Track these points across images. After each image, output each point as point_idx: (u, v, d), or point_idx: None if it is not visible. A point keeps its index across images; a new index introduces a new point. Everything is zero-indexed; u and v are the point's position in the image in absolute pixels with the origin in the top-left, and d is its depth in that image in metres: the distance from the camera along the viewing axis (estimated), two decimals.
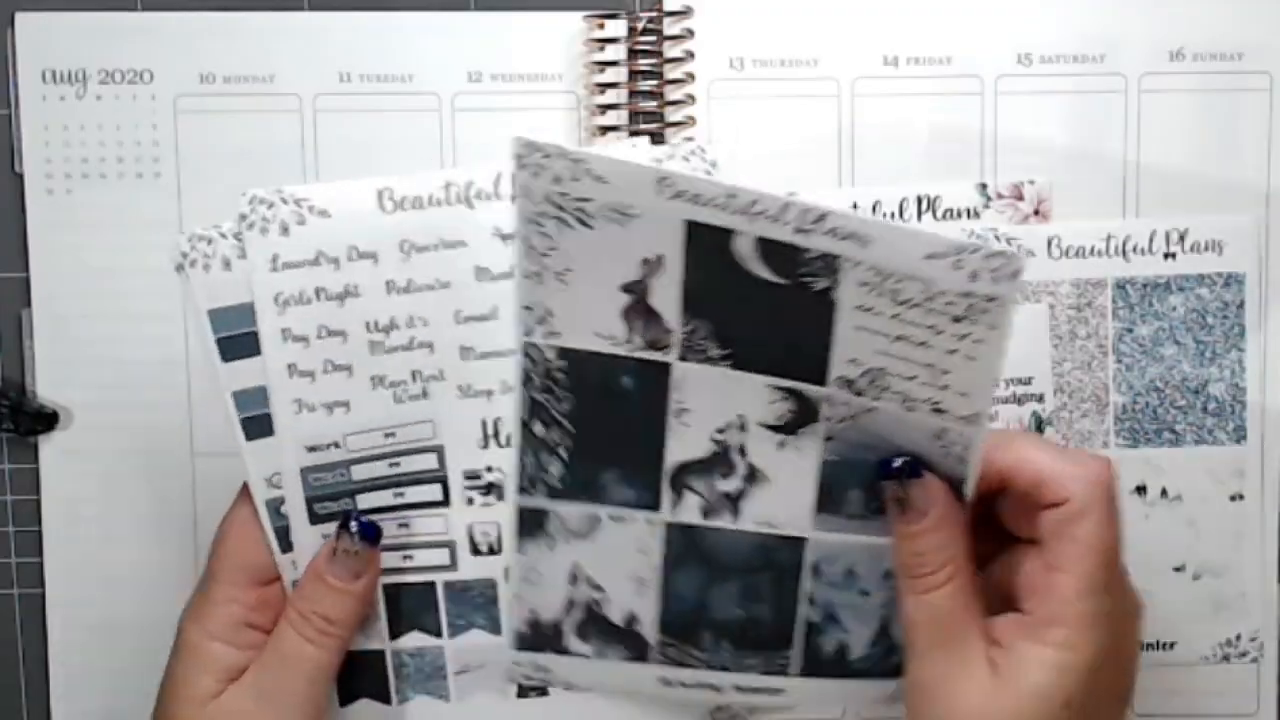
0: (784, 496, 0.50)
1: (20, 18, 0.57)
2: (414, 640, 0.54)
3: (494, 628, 0.53)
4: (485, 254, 0.50)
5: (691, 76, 0.57)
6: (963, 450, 0.48)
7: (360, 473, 0.52)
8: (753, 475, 0.50)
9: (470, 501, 0.52)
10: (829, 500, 0.50)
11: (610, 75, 0.57)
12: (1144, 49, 0.57)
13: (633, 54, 0.57)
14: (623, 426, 0.49)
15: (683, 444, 0.49)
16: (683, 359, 0.48)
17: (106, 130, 0.57)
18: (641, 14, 0.57)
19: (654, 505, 0.50)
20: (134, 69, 0.57)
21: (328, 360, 0.51)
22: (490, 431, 0.52)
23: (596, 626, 0.52)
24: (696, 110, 0.57)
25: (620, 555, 0.51)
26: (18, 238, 0.57)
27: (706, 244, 0.46)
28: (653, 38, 0.57)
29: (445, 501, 0.52)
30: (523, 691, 0.54)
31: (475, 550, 0.53)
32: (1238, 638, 0.59)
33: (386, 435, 0.51)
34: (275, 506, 0.52)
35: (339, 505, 0.52)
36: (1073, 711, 0.46)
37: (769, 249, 0.45)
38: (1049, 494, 0.47)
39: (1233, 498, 0.58)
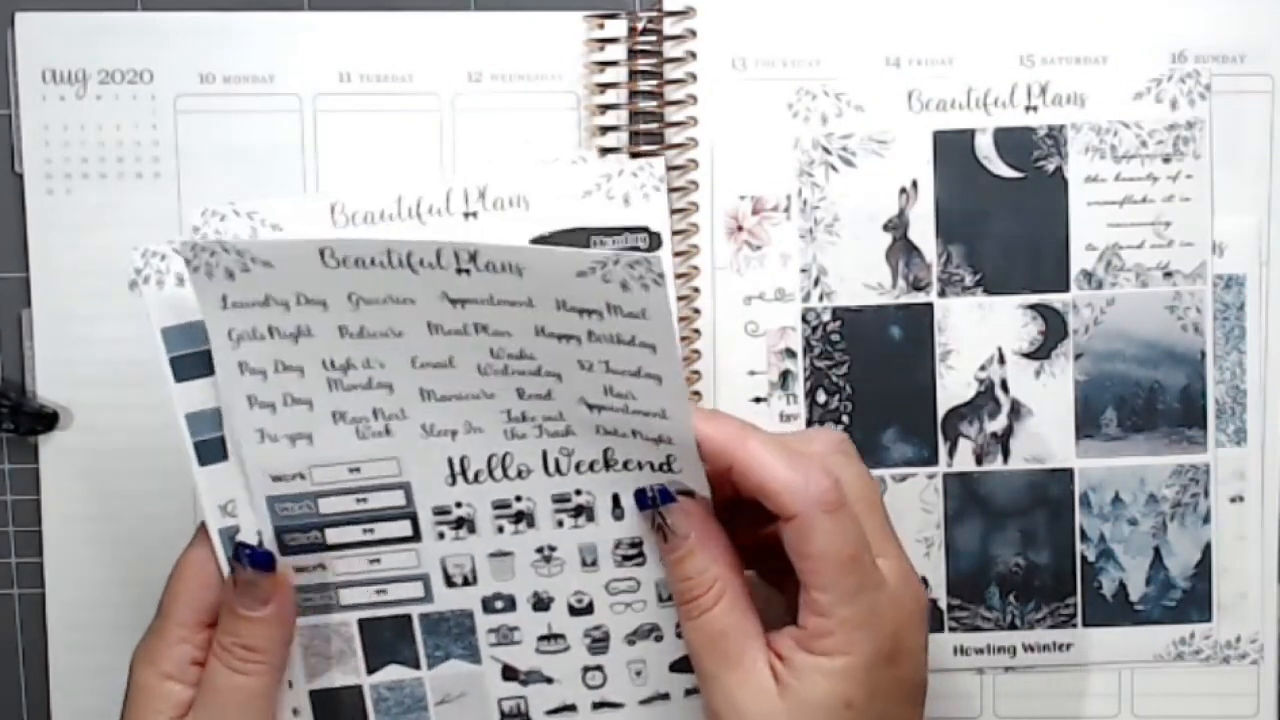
0: (1047, 427, 0.53)
1: (20, 18, 0.57)
2: (392, 674, 0.53)
3: (473, 656, 0.52)
4: (433, 312, 0.48)
5: (693, 77, 0.57)
6: (1196, 316, 0.53)
7: (327, 506, 0.51)
8: (1016, 410, 0.53)
9: (441, 536, 0.51)
10: (1087, 424, 0.53)
11: (610, 75, 0.57)
12: (1145, 50, 0.57)
13: (633, 54, 0.57)
14: (896, 381, 0.52)
15: (950, 389, 0.52)
16: (941, 295, 0.54)
17: (106, 130, 0.57)
18: (642, 14, 0.57)
19: (932, 459, 0.51)
20: (134, 69, 0.57)
21: (286, 394, 0.49)
22: (458, 469, 0.50)
23: None
24: (697, 110, 0.57)
25: (905, 519, 0.51)
26: (18, 238, 0.57)
27: (952, 153, 0.50)
28: (653, 38, 0.57)
29: (416, 537, 0.51)
30: (504, 718, 0.53)
31: (449, 583, 0.52)
32: (1237, 639, 0.59)
33: (351, 470, 0.50)
34: (229, 535, 0.51)
35: (309, 538, 0.51)
36: (856, 711, 0.46)
37: (1005, 140, 0.52)
38: (776, 506, 0.47)
39: (1233, 499, 0.58)
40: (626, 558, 0.51)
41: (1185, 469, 0.58)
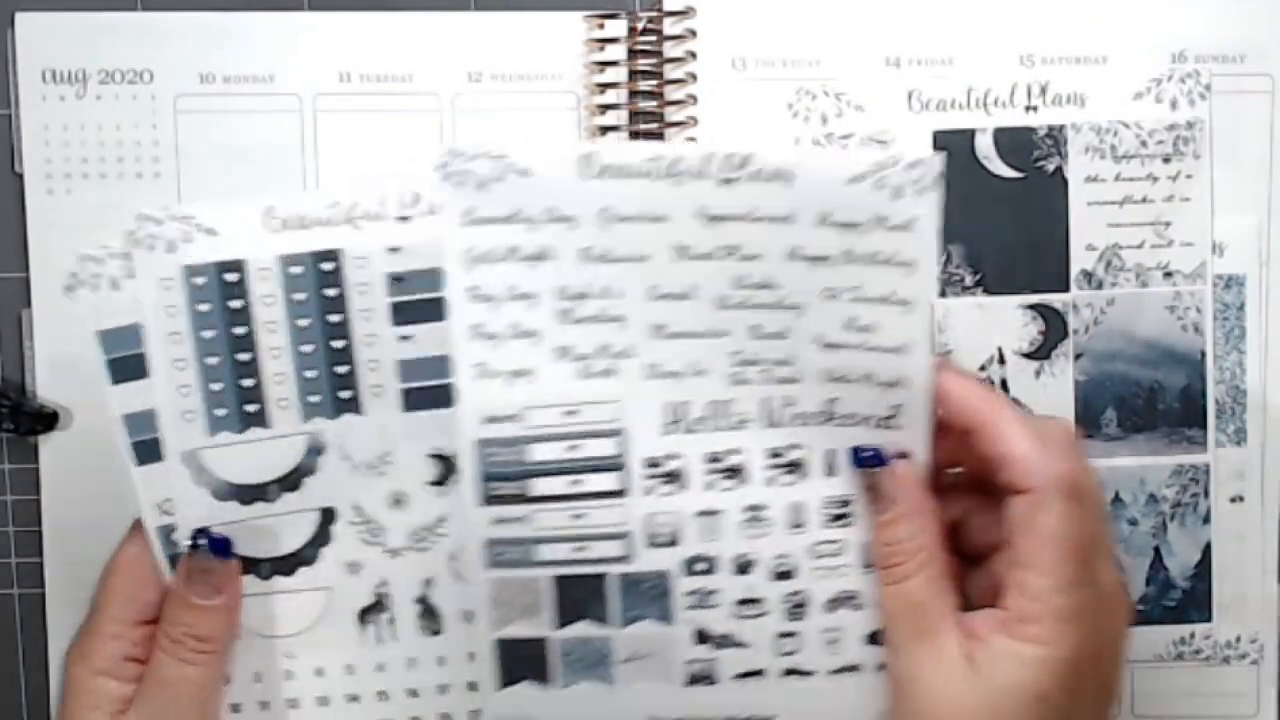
0: None
1: (20, 18, 0.57)
2: (581, 629, 0.52)
3: (666, 618, 0.52)
4: (685, 232, 0.48)
5: (693, 76, 0.57)
6: (1196, 316, 0.52)
7: (537, 453, 0.50)
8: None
9: (649, 491, 0.51)
10: (1087, 424, 0.53)
11: (610, 75, 0.57)
12: (1145, 50, 0.57)
13: (633, 54, 0.57)
14: None
15: None
16: (941, 294, 0.54)
17: (106, 130, 0.57)
18: (642, 14, 0.57)
19: None
20: (134, 69, 0.57)
21: (514, 324, 0.49)
22: (675, 416, 0.50)
23: None
24: (697, 110, 0.57)
25: None
26: (18, 238, 0.57)
27: (952, 153, 0.49)
28: (653, 38, 0.57)
29: (624, 492, 0.51)
30: (691, 680, 0.52)
31: (652, 543, 0.51)
32: (1237, 639, 0.59)
33: (567, 413, 0.50)
34: (166, 533, 0.50)
35: (514, 488, 0.50)
36: (1049, 706, 0.46)
37: (1005, 140, 0.52)
38: (1012, 477, 0.46)
39: (1233, 499, 0.58)
40: (835, 518, 0.50)
41: (1185, 469, 0.58)
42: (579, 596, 0.52)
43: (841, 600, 0.51)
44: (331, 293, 0.50)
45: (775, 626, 0.51)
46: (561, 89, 0.57)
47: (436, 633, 0.53)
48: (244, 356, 0.50)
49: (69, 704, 0.50)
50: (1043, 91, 0.56)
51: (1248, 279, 0.57)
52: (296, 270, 0.50)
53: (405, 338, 0.50)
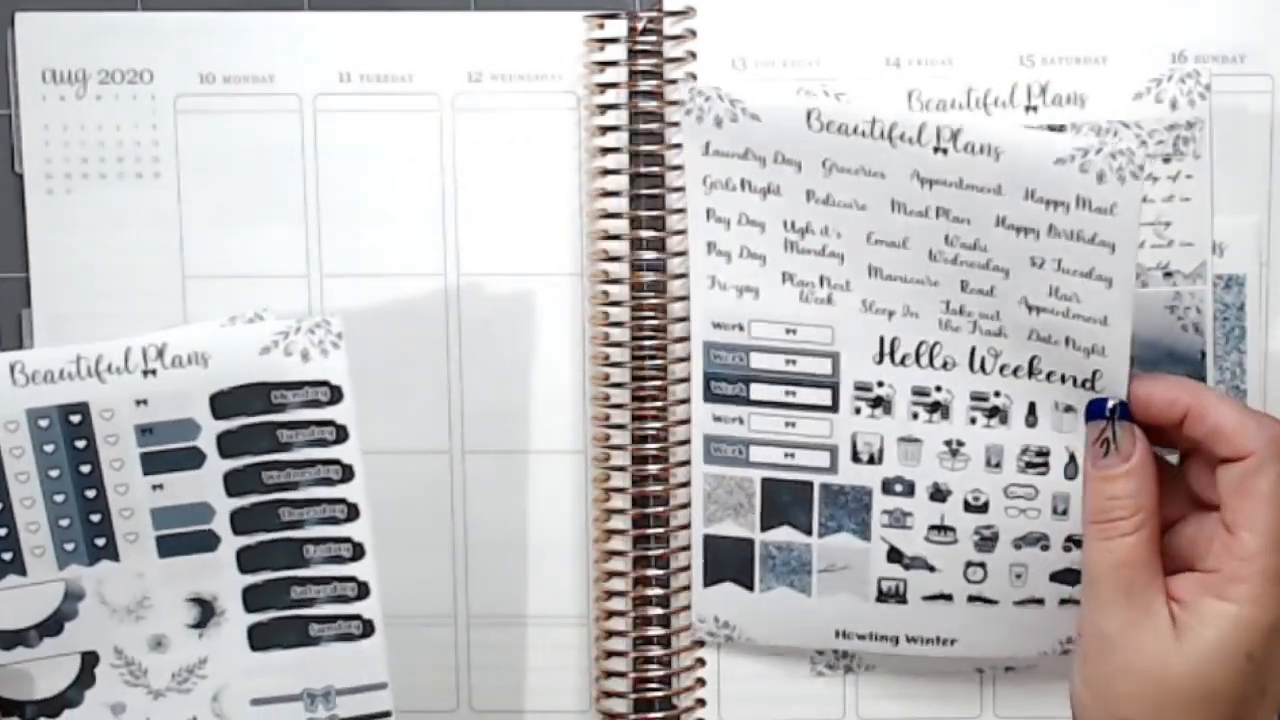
0: None
1: (20, 18, 0.57)
2: (784, 534, 0.55)
3: (863, 533, 0.55)
4: (901, 189, 0.51)
5: (693, 77, 0.57)
6: (1196, 316, 0.53)
7: (758, 361, 0.54)
8: None
9: (858, 411, 0.54)
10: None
11: (610, 75, 0.57)
12: (1145, 50, 0.57)
13: (633, 54, 0.57)
14: None
15: None
16: None
17: (106, 130, 0.57)
18: (642, 14, 0.57)
19: None
20: (134, 69, 0.57)
21: (744, 246, 0.53)
22: (887, 349, 0.53)
23: None
24: None
25: None
26: (18, 238, 0.57)
27: None
28: (653, 38, 0.57)
29: (834, 408, 0.54)
30: (881, 596, 0.55)
31: (856, 458, 0.54)
32: None
33: (788, 331, 0.53)
34: None
35: (734, 389, 0.54)
36: (1255, 666, 0.47)
37: None
38: (1228, 447, 0.48)
39: None
40: (1030, 465, 0.53)
41: None
42: (784, 501, 0.55)
43: (1030, 540, 0.54)
44: (81, 444, 0.52)
45: (964, 555, 0.54)
46: (561, 89, 0.57)
47: None
48: None
49: None
50: (1043, 91, 0.56)
51: (1248, 279, 0.57)
52: (44, 423, 0.51)
53: (157, 486, 0.52)
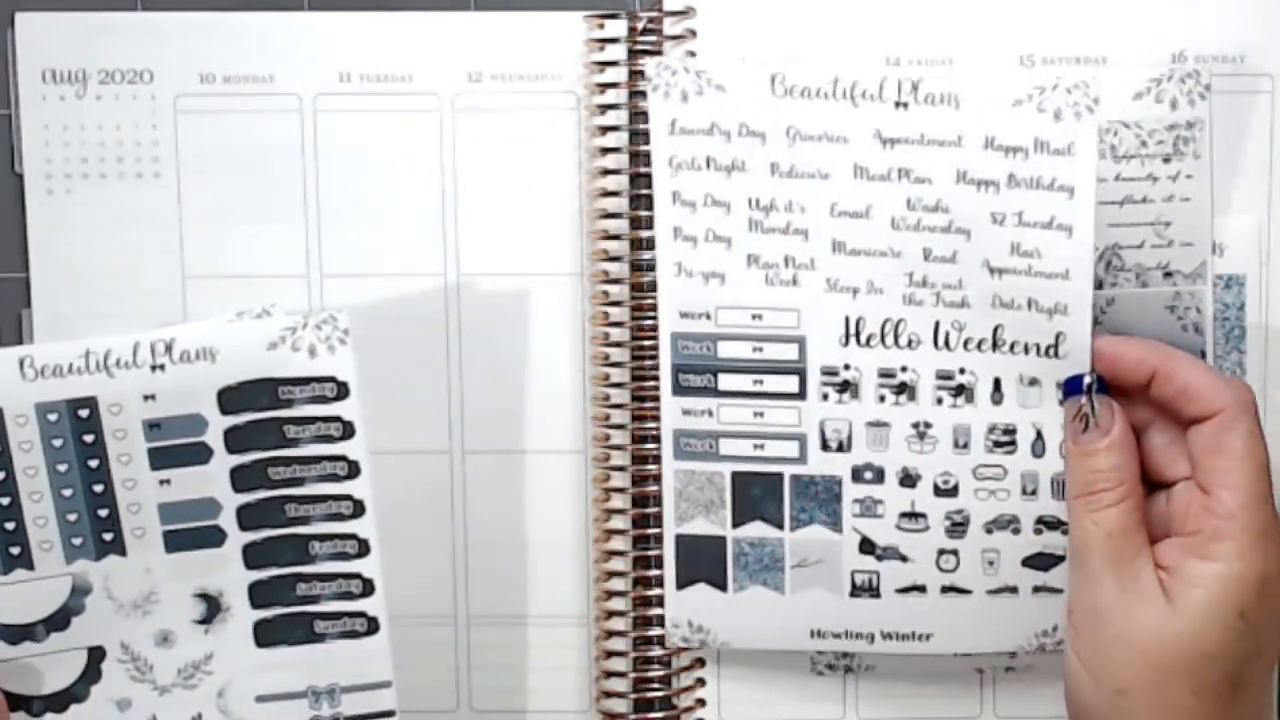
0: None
1: (20, 18, 0.57)
2: (756, 530, 0.55)
3: (835, 524, 0.55)
4: (863, 153, 0.52)
5: None
6: (1196, 316, 0.53)
7: (725, 350, 0.54)
8: None
9: (825, 397, 0.54)
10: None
11: (610, 75, 0.57)
12: (1145, 50, 0.57)
13: (633, 54, 0.57)
14: None
15: None
16: None
17: (106, 130, 0.57)
18: (642, 14, 0.57)
19: None
20: (134, 69, 0.57)
21: (710, 229, 0.53)
22: (852, 330, 0.53)
23: None
24: None
25: None
26: (18, 238, 0.58)
27: None
28: (653, 38, 0.57)
29: (801, 394, 0.54)
30: (855, 590, 0.55)
31: (825, 446, 0.54)
32: None
33: (754, 316, 0.54)
34: None
35: (703, 380, 0.54)
36: (1248, 624, 0.47)
37: None
38: (1198, 406, 0.48)
39: None
40: (998, 444, 0.53)
41: None
42: (755, 495, 0.55)
43: (1001, 523, 0.54)
44: (89, 438, 0.52)
45: (936, 542, 0.55)
46: (561, 89, 0.57)
47: None
48: (3, 501, 0.51)
49: None
50: None
51: (1248, 279, 0.57)
52: (53, 417, 0.51)
53: (164, 481, 0.52)
